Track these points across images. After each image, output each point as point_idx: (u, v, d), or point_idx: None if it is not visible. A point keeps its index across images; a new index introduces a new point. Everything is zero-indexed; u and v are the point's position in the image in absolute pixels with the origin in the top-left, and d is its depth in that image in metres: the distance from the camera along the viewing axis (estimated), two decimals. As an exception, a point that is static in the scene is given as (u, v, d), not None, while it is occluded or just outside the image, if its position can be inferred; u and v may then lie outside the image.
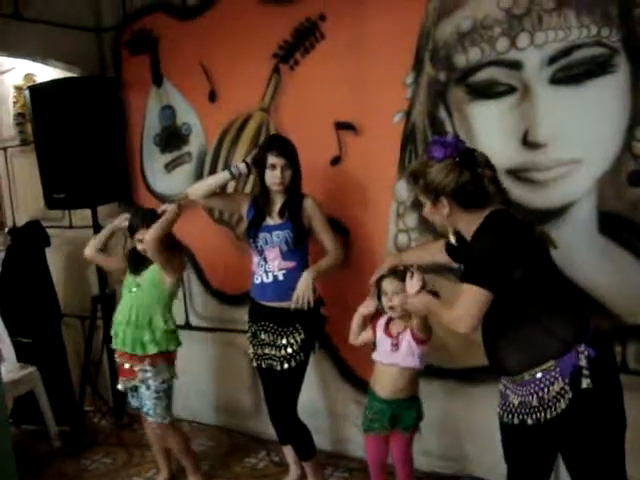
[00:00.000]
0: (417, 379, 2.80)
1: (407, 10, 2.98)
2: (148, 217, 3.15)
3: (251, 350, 3.11)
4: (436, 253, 2.56)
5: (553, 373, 1.98)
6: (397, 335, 2.73)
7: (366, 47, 3.11)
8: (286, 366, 2.95)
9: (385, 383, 2.75)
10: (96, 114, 3.89)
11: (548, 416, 1.99)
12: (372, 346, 2.82)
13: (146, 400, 3.17)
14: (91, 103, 3.87)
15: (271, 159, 2.89)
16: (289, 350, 2.95)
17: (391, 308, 2.69)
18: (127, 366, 3.21)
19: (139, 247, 3.16)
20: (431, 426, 3.20)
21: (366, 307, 2.78)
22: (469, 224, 2.07)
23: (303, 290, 2.87)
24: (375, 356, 2.81)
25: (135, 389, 3.24)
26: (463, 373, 3.11)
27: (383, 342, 2.77)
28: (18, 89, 4.48)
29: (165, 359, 3.19)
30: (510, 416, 2.10)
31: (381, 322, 2.80)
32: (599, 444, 2.02)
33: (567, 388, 1.96)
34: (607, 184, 2.65)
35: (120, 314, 3.22)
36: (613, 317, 2.67)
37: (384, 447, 2.86)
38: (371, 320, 2.82)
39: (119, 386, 3.30)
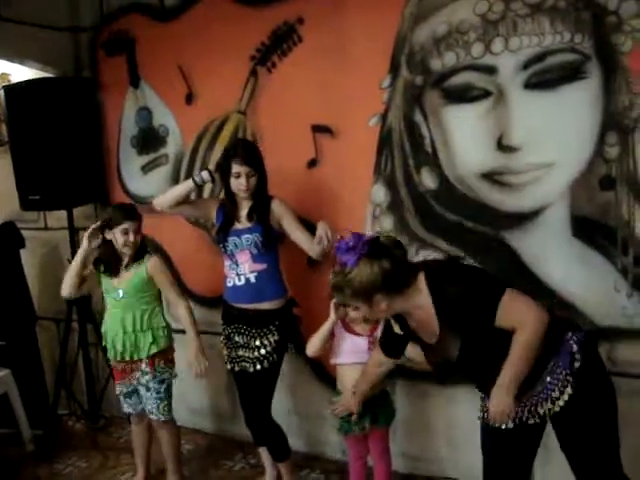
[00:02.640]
0: None
1: (384, 14, 3.01)
2: (132, 210, 3.10)
3: (225, 352, 3.12)
4: (376, 369, 2.57)
5: (558, 370, 2.02)
6: (372, 333, 2.79)
7: (343, 50, 3.13)
8: (259, 367, 2.96)
9: None
10: (72, 115, 3.87)
11: (557, 408, 2.03)
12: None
13: (148, 400, 3.16)
14: (67, 104, 3.84)
15: (235, 167, 2.88)
16: (262, 351, 2.95)
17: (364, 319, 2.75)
18: (124, 370, 3.17)
19: (128, 239, 3.03)
20: (408, 428, 3.22)
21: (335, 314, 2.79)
22: (412, 299, 2.07)
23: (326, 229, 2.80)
24: (339, 359, 2.85)
25: (131, 394, 3.21)
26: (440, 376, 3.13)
27: (349, 342, 2.82)
28: (-7, 89, 4.44)
29: (163, 358, 3.16)
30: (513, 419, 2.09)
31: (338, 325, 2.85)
32: (599, 426, 2.07)
33: (570, 379, 2.01)
34: (580, 188, 2.69)
35: (112, 326, 3.14)
36: (585, 319, 2.70)
37: (365, 445, 2.91)
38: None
39: (117, 391, 3.23)
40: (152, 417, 3.21)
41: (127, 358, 3.12)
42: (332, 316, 2.77)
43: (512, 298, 1.99)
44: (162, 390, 3.16)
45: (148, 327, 3.12)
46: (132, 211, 3.10)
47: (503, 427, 2.10)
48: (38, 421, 4.00)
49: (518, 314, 1.98)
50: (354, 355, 2.80)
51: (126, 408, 3.28)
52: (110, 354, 3.18)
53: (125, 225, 3.03)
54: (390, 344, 2.41)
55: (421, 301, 2.06)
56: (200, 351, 3.05)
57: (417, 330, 2.19)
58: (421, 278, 2.07)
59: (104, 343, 3.21)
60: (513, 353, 1.99)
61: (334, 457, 3.49)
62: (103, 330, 3.21)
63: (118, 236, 3.05)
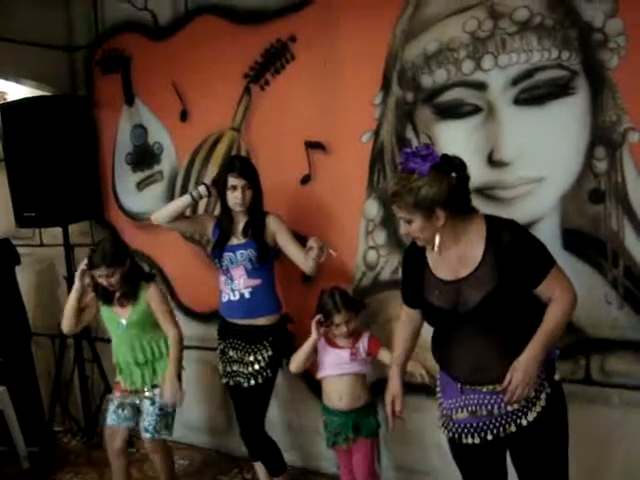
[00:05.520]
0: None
1: (375, 32, 3.05)
2: (108, 255, 2.95)
3: (220, 367, 3.14)
4: (413, 331, 2.36)
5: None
6: (353, 344, 2.85)
7: (335, 68, 3.17)
8: (253, 382, 2.98)
9: (342, 394, 2.83)
10: (68, 132, 3.90)
11: (530, 418, 2.02)
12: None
13: (147, 416, 3.10)
14: (63, 121, 3.88)
15: (231, 180, 2.91)
16: (256, 367, 2.98)
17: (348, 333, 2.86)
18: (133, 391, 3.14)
19: (104, 283, 3.00)
20: (401, 440, 3.23)
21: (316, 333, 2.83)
22: (465, 229, 2.03)
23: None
24: (324, 372, 2.90)
25: (126, 406, 3.15)
26: (431, 387, 3.13)
27: (332, 355, 2.87)
28: (-11, 107, 4.46)
29: None
30: (479, 433, 2.09)
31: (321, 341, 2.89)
32: (563, 441, 2.10)
33: (545, 384, 2.04)
34: (570, 201, 2.72)
35: (122, 355, 3.11)
36: (577, 331, 2.73)
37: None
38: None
39: (112, 400, 3.19)
40: (146, 435, 3.11)
41: (146, 390, 3.10)
42: (313, 335, 2.82)
43: (561, 271, 2.03)
44: (164, 407, 3.10)
45: (162, 354, 3.11)
46: (106, 256, 2.95)
47: (466, 441, 2.12)
48: (33, 438, 3.99)
49: (562, 286, 2.01)
50: (337, 367, 2.86)
51: (111, 420, 3.16)
52: (126, 384, 3.13)
53: (97, 272, 2.98)
54: (409, 292, 2.25)
55: (473, 232, 2.02)
56: (175, 380, 3.05)
57: (437, 264, 2.10)
58: (480, 216, 2.06)
59: (118, 372, 3.16)
60: (549, 320, 1.99)
61: (329, 471, 3.49)
62: (114, 360, 3.18)
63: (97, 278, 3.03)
